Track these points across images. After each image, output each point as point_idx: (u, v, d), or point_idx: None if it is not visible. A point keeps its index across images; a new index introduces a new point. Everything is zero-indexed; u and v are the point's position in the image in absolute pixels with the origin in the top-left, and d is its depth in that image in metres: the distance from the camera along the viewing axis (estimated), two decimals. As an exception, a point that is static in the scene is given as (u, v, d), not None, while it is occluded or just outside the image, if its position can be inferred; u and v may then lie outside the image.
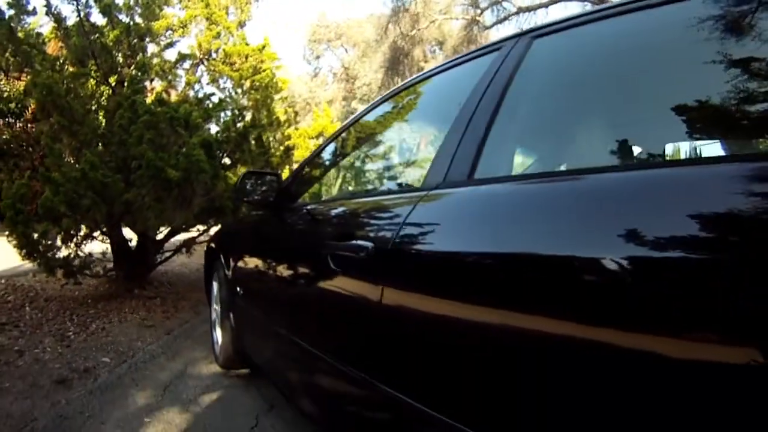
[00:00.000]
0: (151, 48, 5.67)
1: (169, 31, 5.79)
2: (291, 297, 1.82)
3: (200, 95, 5.75)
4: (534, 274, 0.80)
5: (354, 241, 1.29)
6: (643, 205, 0.72)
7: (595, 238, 0.75)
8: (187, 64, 5.98)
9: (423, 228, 1.12)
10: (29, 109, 8.21)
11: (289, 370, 1.89)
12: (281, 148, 5.89)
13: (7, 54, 4.50)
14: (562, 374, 0.73)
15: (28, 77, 4.37)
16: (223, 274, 2.73)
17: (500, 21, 15.44)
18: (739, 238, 0.60)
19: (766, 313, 0.52)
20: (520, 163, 1.47)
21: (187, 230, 5.24)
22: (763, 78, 0.81)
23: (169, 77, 5.73)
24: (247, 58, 5.92)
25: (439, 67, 1.71)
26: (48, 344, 3.11)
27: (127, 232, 4.81)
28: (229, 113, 5.41)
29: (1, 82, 6.54)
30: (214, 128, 5.33)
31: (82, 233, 4.29)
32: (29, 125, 8.53)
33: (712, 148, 0.97)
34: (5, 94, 8.35)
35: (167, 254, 5.30)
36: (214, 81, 6.12)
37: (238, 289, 2.42)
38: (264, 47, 6.03)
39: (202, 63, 6.07)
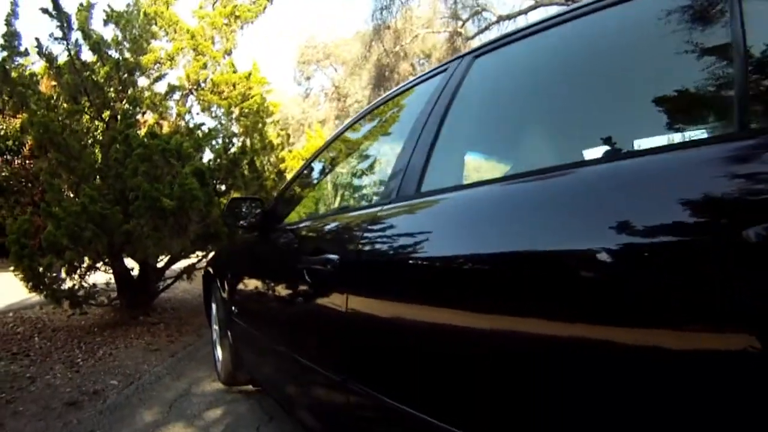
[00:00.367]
0: (142, 81, 5.83)
1: (158, 64, 5.96)
2: (276, 311, 1.97)
3: (191, 125, 5.89)
4: (474, 273, 0.93)
5: (323, 255, 1.45)
6: (567, 206, 0.82)
7: (529, 237, 0.85)
8: (177, 96, 6.14)
9: (378, 240, 1.28)
10: (26, 145, 8.37)
11: (280, 379, 2.03)
12: (275, 171, 6.01)
13: (4, 95, 4.61)
14: (501, 368, 0.83)
15: (25, 116, 4.52)
16: (219, 295, 2.88)
17: (481, 31, 15.64)
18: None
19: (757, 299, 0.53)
20: (474, 170, 1.61)
21: (186, 257, 5.36)
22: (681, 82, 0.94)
23: (160, 109, 5.88)
24: (234, 86, 6.09)
25: (399, 88, 1.85)
26: (58, 370, 3.27)
27: (129, 262, 4.94)
28: (220, 141, 5.56)
29: (-2, 121, 6.65)
30: (209, 155, 5.44)
31: (85, 264, 4.46)
32: (27, 161, 8.70)
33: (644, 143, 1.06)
34: (2, 132, 8.51)
35: (168, 281, 5.43)
36: (205, 110, 6.26)
37: (233, 308, 2.56)
38: (250, 74, 6.19)
39: (192, 93, 6.22)
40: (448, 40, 16.59)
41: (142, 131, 4.96)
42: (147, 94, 5.77)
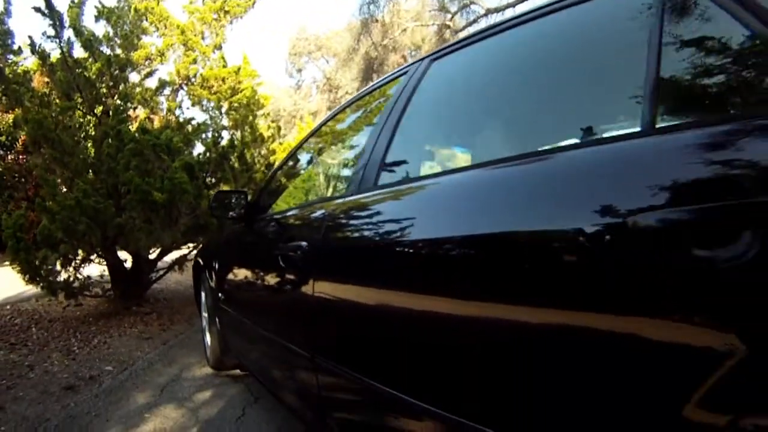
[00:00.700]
0: (133, 77, 5.90)
1: (149, 60, 6.04)
2: (256, 296, 2.10)
3: (182, 119, 5.96)
4: (423, 256, 1.04)
5: (294, 243, 1.59)
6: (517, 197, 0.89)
7: (475, 224, 0.92)
8: (167, 91, 6.23)
9: (339, 228, 1.42)
10: (19, 140, 8.42)
11: (261, 360, 2.16)
12: (265, 163, 6.05)
13: (-2, 93, 4.71)
14: (440, 338, 0.94)
15: (18, 111, 4.63)
16: (208, 284, 3.02)
17: (470, 24, 15.73)
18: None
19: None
20: (430, 166, 1.72)
21: (178, 248, 5.47)
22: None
23: (151, 104, 5.98)
24: (224, 80, 6.18)
25: (368, 88, 1.98)
26: (55, 358, 3.41)
27: (122, 254, 5.06)
28: (210, 135, 5.65)
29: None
30: (201, 148, 5.53)
31: (79, 257, 4.59)
32: (20, 157, 8.76)
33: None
34: (-5, 128, 8.56)
35: (160, 272, 5.56)
36: (195, 104, 6.34)
37: (220, 295, 2.69)
38: (240, 69, 6.28)
39: (182, 88, 6.31)
40: (437, 32, 16.64)
41: (134, 126, 5.05)
42: (138, 89, 5.85)
